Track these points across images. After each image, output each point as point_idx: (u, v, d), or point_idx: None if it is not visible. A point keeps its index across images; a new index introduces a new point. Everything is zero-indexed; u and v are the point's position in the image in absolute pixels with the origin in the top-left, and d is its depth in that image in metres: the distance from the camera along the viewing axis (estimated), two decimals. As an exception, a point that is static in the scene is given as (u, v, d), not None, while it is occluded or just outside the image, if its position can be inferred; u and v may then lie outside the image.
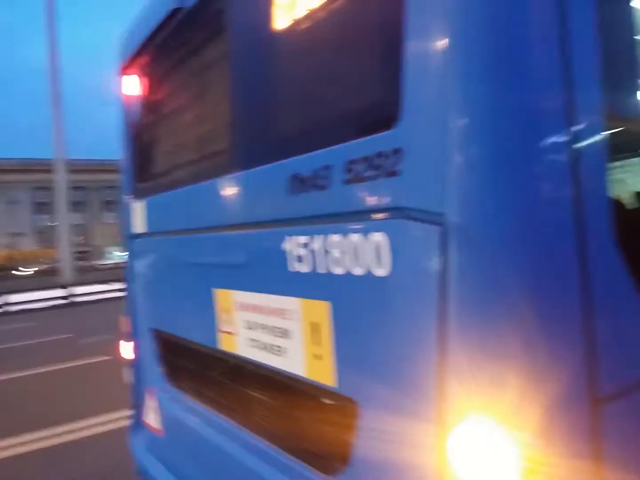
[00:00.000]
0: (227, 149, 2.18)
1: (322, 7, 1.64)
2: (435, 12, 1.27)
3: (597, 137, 1.30)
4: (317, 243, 1.64)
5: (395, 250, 1.38)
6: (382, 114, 1.41)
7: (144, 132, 3.13)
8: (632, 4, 1.50)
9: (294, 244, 1.74)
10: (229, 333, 2.23)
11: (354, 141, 1.49)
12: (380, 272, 1.42)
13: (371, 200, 1.45)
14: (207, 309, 2.36)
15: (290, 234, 1.75)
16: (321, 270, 1.63)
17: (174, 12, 2.53)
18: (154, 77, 2.99)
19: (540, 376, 1.18)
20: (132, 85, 3.19)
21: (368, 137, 1.44)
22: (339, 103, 1.66)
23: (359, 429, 1.55)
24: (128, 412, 3.52)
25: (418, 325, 1.33)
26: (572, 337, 1.22)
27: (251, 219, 2.01)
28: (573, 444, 1.21)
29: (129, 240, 3.32)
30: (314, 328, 1.69)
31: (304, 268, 1.71)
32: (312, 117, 1.79)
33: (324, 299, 1.64)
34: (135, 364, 3.35)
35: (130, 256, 3.32)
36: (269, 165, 1.88)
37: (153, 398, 3.08)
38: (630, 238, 1.35)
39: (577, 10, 1.26)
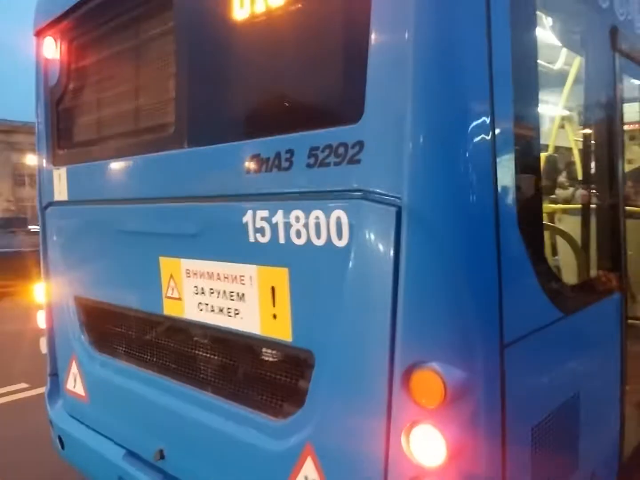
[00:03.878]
0: (182, 125, 2.28)
1: (292, 8, 1.84)
2: (396, 32, 1.55)
3: (509, 140, 1.68)
4: (278, 217, 1.87)
5: (354, 225, 1.66)
6: (347, 110, 1.67)
7: (68, 99, 3.07)
8: (535, 46, 1.90)
9: (254, 218, 1.95)
10: (175, 299, 2.38)
11: (318, 131, 1.74)
12: (340, 243, 1.70)
13: (333, 183, 1.71)
14: (149, 276, 2.48)
15: (251, 209, 1.95)
16: (281, 241, 1.87)
17: None
18: (83, 44, 2.94)
19: (468, 326, 1.55)
20: (52, 49, 3.10)
21: (332, 129, 1.69)
22: (307, 95, 1.88)
23: (314, 375, 1.83)
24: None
25: (373, 286, 1.63)
26: (490, 297, 1.60)
27: (207, 192, 2.17)
28: (489, 377, 1.60)
29: (45, 208, 3.25)
30: (272, 291, 1.93)
31: (263, 239, 1.93)
32: (278, 104, 1.99)
33: (283, 266, 1.88)
34: (53, 333, 3.32)
35: (46, 224, 3.26)
36: (229, 144, 2.05)
37: (76, 365, 3.11)
38: (525, 222, 1.76)
39: (499, 43, 1.62)
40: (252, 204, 1.96)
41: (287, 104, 1.95)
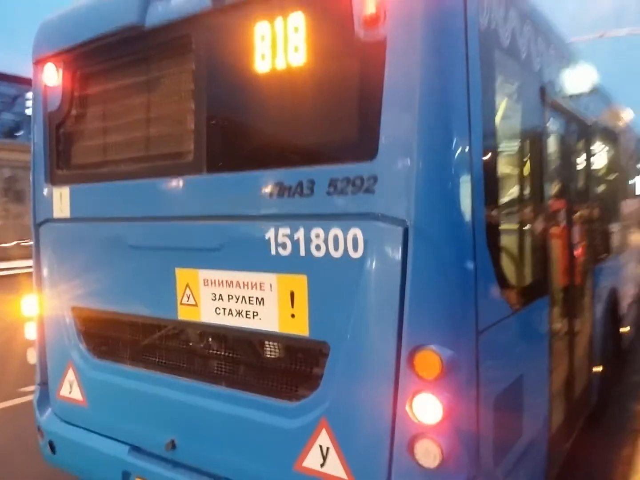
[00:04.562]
0: (201, 153, 2.64)
1: (307, 70, 2.31)
2: (405, 94, 2.07)
3: (480, 180, 2.23)
4: (299, 234, 2.30)
5: (368, 241, 2.14)
6: (364, 151, 2.15)
7: (73, 124, 3.32)
8: (495, 102, 2.48)
9: (276, 234, 2.37)
10: (191, 305, 2.73)
11: (338, 165, 2.21)
12: (356, 254, 2.17)
13: (351, 207, 2.18)
14: (163, 286, 2.80)
15: (273, 227, 2.37)
16: (302, 253, 2.30)
17: (130, 27, 2.88)
18: (93, 75, 3.23)
19: (457, 318, 2.07)
20: (55, 77, 3.34)
21: (351, 165, 2.17)
22: (329, 137, 2.34)
23: (329, 361, 2.27)
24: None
25: (385, 287, 2.11)
26: (470, 297, 2.13)
27: (229, 212, 2.55)
28: (470, 355, 2.12)
29: (40, 224, 3.46)
30: (291, 295, 2.36)
31: (284, 252, 2.35)
32: (302, 142, 2.43)
33: (302, 274, 2.32)
34: (44, 343, 3.50)
35: (42, 239, 3.46)
36: (252, 172, 2.46)
37: (73, 372, 3.32)
38: (490, 242, 2.31)
39: (474, 107, 2.18)
40: (275, 223, 2.38)
41: (310, 143, 2.40)
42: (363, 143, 2.19)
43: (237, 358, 2.69)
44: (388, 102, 2.10)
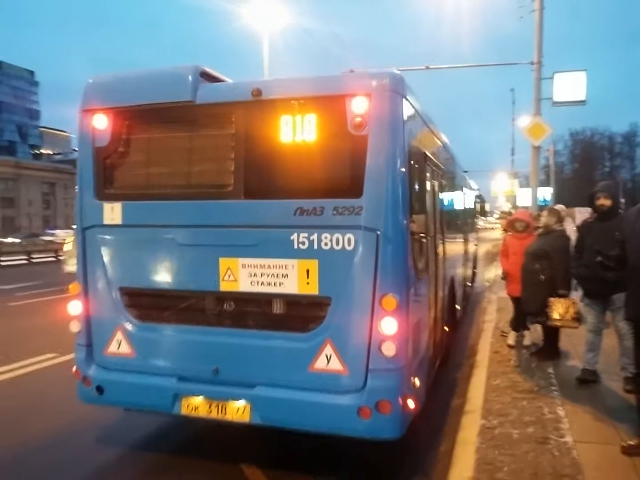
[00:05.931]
0: (239, 186, 4.26)
1: (310, 143, 4.13)
2: (376, 167, 3.98)
3: (409, 207, 4.25)
4: (314, 236, 4.09)
5: (356, 241, 4.02)
6: (355, 192, 4.01)
7: (120, 157, 4.65)
8: (408, 167, 4.53)
9: (298, 236, 4.12)
10: (231, 281, 4.33)
11: (339, 199, 4.04)
12: (349, 247, 4.03)
13: (347, 222, 4.03)
14: (208, 269, 4.36)
15: (296, 232, 4.12)
16: (315, 247, 4.09)
17: (183, 101, 4.39)
18: (143, 126, 4.62)
19: (401, 279, 4.05)
20: (103, 123, 4.65)
21: (347, 199, 4.02)
22: (335, 185, 4.15)
23: (331, 307, 4.09)
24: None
25: (366, 264, 4.00)
26: (406, 269, 4.12)
27: (262, 223, 4.23)
28: (407, 299, 4.10)
29: (86, 228, 4.73)
30: (307, 271, 4.13)
31: (303, 247, 4.12)
32: (315, 186, 4.18)
33: (315, 259, 4.11)
34: (90, 315, 4.75)
35: (88, 239, 4.73)
36: (280, 200, 4.18)
37: (121, 333, 4.64)
38: (412, 242, 4.32)
39: (407, 169, 4.20)
40: (297, 230, 4.13)
41: (322, 186, 4.16)
42: (355, 188, 4.05)
43: (266, 311, 4.36)
44: (369, 168, 4.00)
